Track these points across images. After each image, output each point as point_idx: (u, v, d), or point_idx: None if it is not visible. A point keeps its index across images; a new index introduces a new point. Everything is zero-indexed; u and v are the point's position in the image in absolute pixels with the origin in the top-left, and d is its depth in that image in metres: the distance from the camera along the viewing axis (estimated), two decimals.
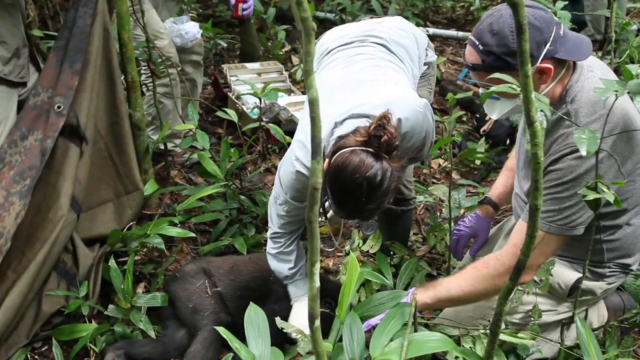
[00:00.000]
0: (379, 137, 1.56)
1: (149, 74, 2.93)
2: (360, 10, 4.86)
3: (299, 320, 1.93)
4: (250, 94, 2.99)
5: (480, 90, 1.56)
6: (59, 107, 1.95)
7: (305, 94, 3.62)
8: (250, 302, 1.46)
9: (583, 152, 1.22)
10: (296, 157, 1.76)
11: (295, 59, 4.43)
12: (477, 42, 1.58)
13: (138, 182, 2.41)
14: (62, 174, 1.96)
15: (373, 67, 1.90)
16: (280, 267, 2.01)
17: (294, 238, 2.00)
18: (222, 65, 3.86)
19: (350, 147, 1.59)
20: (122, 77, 2.50)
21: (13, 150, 1.91)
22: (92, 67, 2.07)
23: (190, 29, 3.08)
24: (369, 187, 1.56)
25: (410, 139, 1.76)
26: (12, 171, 1.87)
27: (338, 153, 1.60)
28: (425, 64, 2.15)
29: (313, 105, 1.00)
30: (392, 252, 2.29)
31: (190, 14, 3.76)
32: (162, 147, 2.93)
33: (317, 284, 1.06)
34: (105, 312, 2.02)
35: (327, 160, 1.64)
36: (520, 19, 0.98)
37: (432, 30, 4.97)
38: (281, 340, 1.86)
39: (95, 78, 2.12)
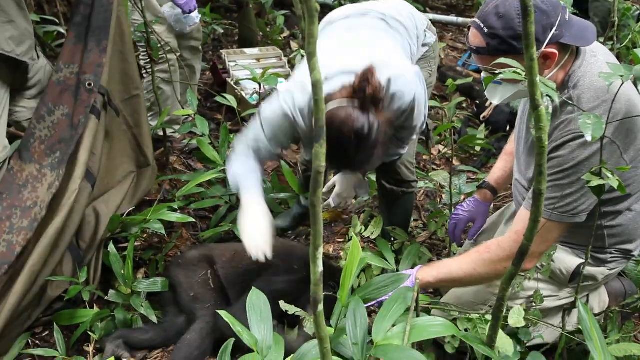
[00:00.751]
0: (364, 89, 1.60)
1: (148, 59, 2.92)
2: None
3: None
4: (249, 79, 2.97)
5: (483, 75, 1.55)
6: (89, 84, 2.01)
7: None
8: (252, 287, 1.46)
9: (588, 138, 1.21)
10: (284, 100, 1.80)
11: (294, 45, 4.40)
12: (482, 25, 1.56)
13: (151, 157, 2.49)
14: (80, 145, 1.99)
15: (369, 33, 1.95)
16: (234, 165, 1.91)
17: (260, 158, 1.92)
18: (221, 51, 3.84)
19: (339, 102, 1.63)
20: None
21: (42, 126, 1.98)
22: (110, 42, 2.09)
23: (191, 17, 3.05)
24: (357, 139, 1.60)
25: (398, 101, 1.77)
26: (42, 145, 1.97)
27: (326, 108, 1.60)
28: (424, 44, 2.15)
29: (316, 88, 0.99)
30: (392, 238, 2.29)
31: None
32: (161, 133, 2.91)
33: (320, 268, 1.06)
34: (105, 298, 2.02)
35: None
36: (527, 1, 0.97)
37: (431, 16, 4.93)
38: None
39: (113, 53, 2.14)
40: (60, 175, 1.92)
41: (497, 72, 1.28)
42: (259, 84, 2.91)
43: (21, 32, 2.04)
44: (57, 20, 3.30)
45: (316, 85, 0.96)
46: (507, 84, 1.65)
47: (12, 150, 2.08)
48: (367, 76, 1.61)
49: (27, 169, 1.92)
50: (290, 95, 1.81)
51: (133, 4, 2.69)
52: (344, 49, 1.89)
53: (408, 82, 1.77)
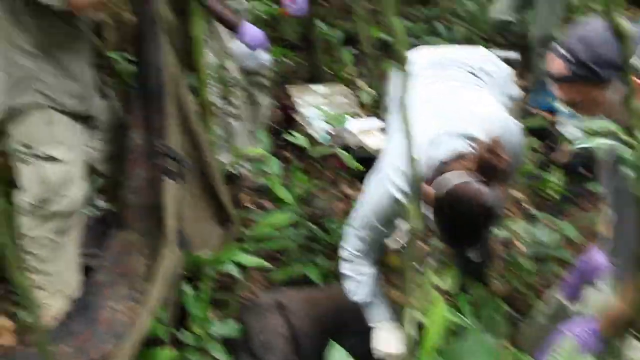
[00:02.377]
0: (492, 165, 1.51)
1: (218, 96, 2.97)
2: (424, 32, 4.80)
3: (383, 345, 1.89)
4: (319, 119, 2.99)
5: (560, 105, 1.48)
6: (159, 147, 2.09)
7: (375, 118, 3.60)
8: (330, 340, 1.43)
9: None
10: (393, 183, 1.72)
11: (361, 82, 4.41)
12: (565, 52, 1.50)
13: (232, 211, 2.50)
14: (166, 210, 2.04)
15: (462, 88, 1.88)
16: (357, 289, 1.95)
17: (371, 260, 1.95)
18: (289, 88, 3.87)
19: (460, 174, 1.55)
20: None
21: (127, 191, 2.12)
22: (169, 101, 2.14)
23: (259, 54, 3.10)
24: (486, 217, 1.53)
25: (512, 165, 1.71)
26: (132, 211, 2.11)
27: (446, 181, 1.55)
28: (510, 98, 2.09)
29: (411, 145, 0.96)
30: (468, 289, 2.20)
31: None
32: (232, 170, 2.94)
33: (414, 333, 1.01)
34: (179, 339, 2.01)
35: (428, 185, 1.59)
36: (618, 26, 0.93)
37: (495, 53, 4.84)
38: None
39: (174, 109, 2.19)
40: (152, 241, 1.98)
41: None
42: (329, 124, 2.91)
43: (83, 85, 2.10)
44: (128, 55, 3.40)
45: (410, 142, 0.93)
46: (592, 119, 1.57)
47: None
48: (494, 149, 1.53)
49: (122, 235, 2.04)
50: (391, 180, 1.74)
51: (206, 41, 2.76)
52: (439, 108, 1.82)
53: (513, 139, 1.72)
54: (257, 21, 3.93)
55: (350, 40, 4.91)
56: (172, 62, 2.22)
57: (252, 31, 2.78)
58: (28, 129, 2.03)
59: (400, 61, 0.87)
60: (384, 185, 1.74)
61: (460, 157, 1.59)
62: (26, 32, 1.94)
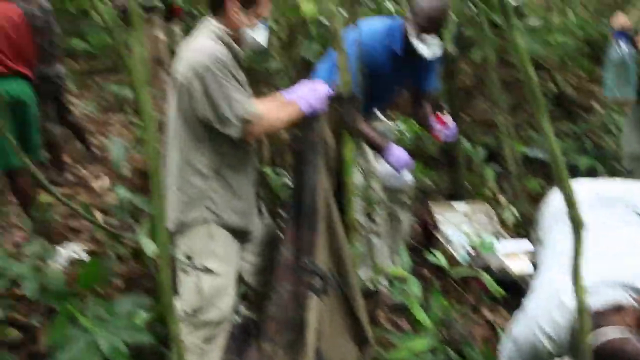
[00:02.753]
0: None
1: (361, 212, 3.09)
2: (573, 150, 4.66)
3: None
4: (459, 238, 2.97)
5: None
6: (306, 264, 2.20)
7: (518, 240, 3.49)
8: None
9: None
10: (541, 329, 1.63)
11: (503, 199, 4.33)
12: None
13: (369, 332, 2.49)
14: (307, 325, 2.13)
15: (628, 230, 1.77)
16: None
17: None
18: (430, 205, 3.91)
19: (617, 329, 1.45)
20: None
21: (270, 303, 2.20)
22: (320, 220, 2.26)
23: (403, 175, 3.21)
24: None
25: None
26: (274, 323, 2.16)
27: (601, 335, 1.46)
28: None
29: (582, 316, 0.94)
30: None
31: None
32: (370, 286, 2.99)
33: None
34: None
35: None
36: None
37: None
38: None
39: (324, 227, 2.31)
40: (291, 355, 2.06)
41: None
42: (473, 248, 2.89)
43: (246, 204, 2.32)
44: (285, 172, 3.68)
45: (582, 314, 0.91)
46: None
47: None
48: None
49: (263, 346, 2.11)
50: (539, 326, 1.65)
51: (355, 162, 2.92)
52: (600, 252, 1.70)
53: None
54: (401, 139, 4.11)
55: (493, 156, 4.90)
56: (326, 183, 2.38)
57: (398, 153, 2.92)
58: (191, 242, 2.26)
59: (576, 230, 0.89)
60: (532, 329, 1.67)
61: (618, 309, 1.49)
62: (203, 156, 2.21)
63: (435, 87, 3.27)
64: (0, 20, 3.56)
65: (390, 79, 2.99)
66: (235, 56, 2.22)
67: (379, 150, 2.97)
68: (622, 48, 3.44)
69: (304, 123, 2.33)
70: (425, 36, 2.76)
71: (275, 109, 2.26)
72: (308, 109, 2.26)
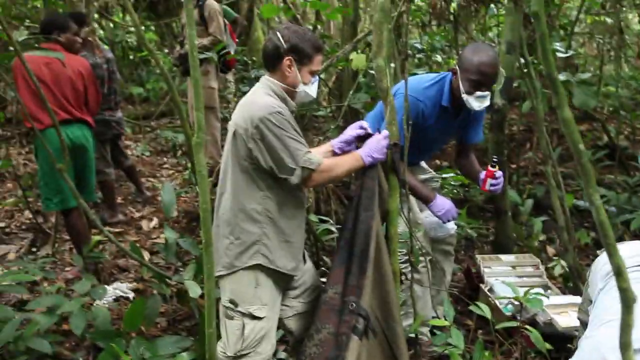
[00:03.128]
0: None
1: (407, 264, 3.07)
2: (627, 202, 4.52)
3: None
4: (505, 289, 2.90)
5: None
6: (352, 305, 2.19)
7: (566, 294, 3.38)
8: None
9: None
10: None
11: (550, 250, 4.22)
12: None
13: None
14: None
15: None
16: None
17: None
18: (476, 256, 3.85)
19: None
20: None
21: (311, 343, 2.20)
22: (370, 263, 2.26)
23: (446, 224, 3.18)
24: None
25: None
26: None
27: None
28: None
29: None
30: None
31: None
32: (412, 335, 2.93)
33: None
34: None
35: None
36: None
37: None
38: None
39: (373, 273, 2.31)
40: None
41: None
42: (519, 300, 2.81)
43: (296, 249, 2.35)
44: (330, 219, 3.72)
45: None
46: None
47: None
48: None
49: None
50: None
51: (401, 213, 2.92)
52: None
53: None
54: (446, 188, 4.09)
55: (541, 206, 4.80)
56: (380, 229, 2.39)
57: (444, 205, 2.91)
58: (238, 286, 2.29)
59: (627, 304, 0.88)
60: None
61: None
62: (258, 203, 2.26)
63: (480, 139, 3.27)
64: (69, 73, 3.82)
65: (437, 131, 3.01)
66: (290, 109, 2.32)
67: (425, 201, 2.98)
68: None
69: (365, 171, 2.39)
70: (475, 92, 2.79)
71: (336, 159, 2.36)
72: (370, 161, 2.36)
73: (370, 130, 2.49)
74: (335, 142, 2.55)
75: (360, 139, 2.50)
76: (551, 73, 0.98)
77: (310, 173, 2.21)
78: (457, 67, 2.82)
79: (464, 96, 2.79)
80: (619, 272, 0.89)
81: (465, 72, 2.76)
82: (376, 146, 2.36)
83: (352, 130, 2.52)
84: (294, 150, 2.18)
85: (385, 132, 2.41)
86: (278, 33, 2.28)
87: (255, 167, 2.23)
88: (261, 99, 2.25)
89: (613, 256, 0.90)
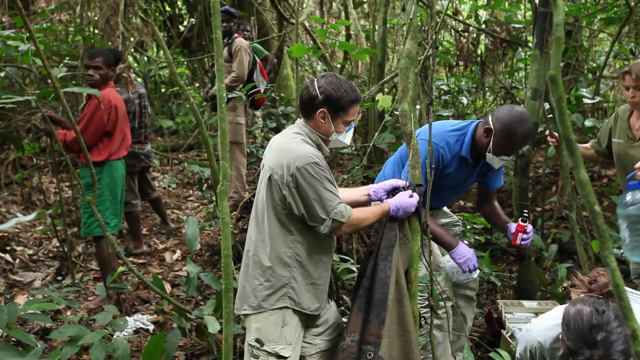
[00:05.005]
0: None
1: (427, 308, 3.04)
2: None
3: None
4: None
5: None
6: (370, 355, 2.20)
7: None
8: None
9: None
10: None
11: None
12: None
13: None
14: None
15: None
16: None
17: None
18: (498, 301, 3.80)
19: None
20: None
21: None
22: (389, 313, 2.26)
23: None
24: None
25: None
26: None
27: None
28: None
29: None
30: None
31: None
32: None
33: None
34: None
35: None
36: None
37: None
38: None
39: (393, 320, 2.31)
40: None
41: None
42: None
43: (321, 291, 2.37)
44: (351, 259, 3.71)
45: None
46: None
47: None
48: None
49: None
50: None
51: (422, 257, 2.92)
52: None
53: None
54: (468, 232, 4.06)
55: (565, 251, 4.72)
56: (399, 279, 2.39)
57: (466, 253, 2.89)
58: (264, 326, 2.30)
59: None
60: None
61: None
62: (289, 247, 2.29)
63: (501, 184, 3.27)
64: (117, 102, 4.12)
65: (457, 178, 3.02)
66: (324, 154, 2.36)
67: (447, 248, 2.97)
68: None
69: (386, 222, 2.42)
70: (501, 155, 2.80)
71: (365, 211, 2.39)
72: (396, 213, 2.40)
73: (405, 186, 2.56)
74: (374, 187, 2.59)
75: (392, 190, 2.57)
76: (567, 135, 1.00)
77: (340, 224, 2.25)
78: (492, 126, 2.80)
79: (489, 155, 2.82)
80: (634, 336, 0.89)
81: (499, 137, 2.76)
82: (406, 202, 2.41)
83: (395, 182, 2.60)
84: (326, 201, 2.22)
85: (416, 196, 2.46)
86: (315, 82, 2.32)
87: (288, 212, 2.27)
88: (299, 146, 2.28)
89: (628, 320, 0.90)
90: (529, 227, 3.01)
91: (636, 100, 3.18)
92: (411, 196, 2.45)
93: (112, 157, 4.08)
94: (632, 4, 4.93)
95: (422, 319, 3.07)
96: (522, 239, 3.04)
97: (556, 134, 3.30)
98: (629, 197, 2.66)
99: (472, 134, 2.90)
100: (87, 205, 3.82)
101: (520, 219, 3.03)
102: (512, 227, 3.07)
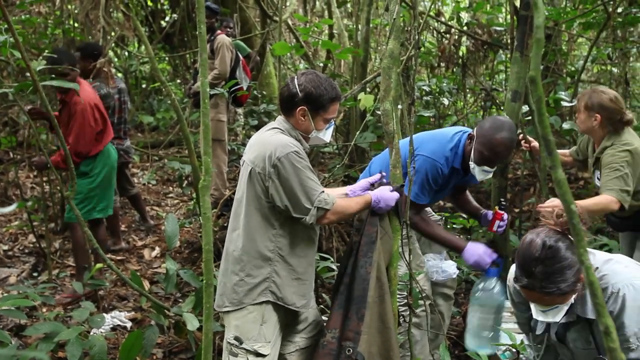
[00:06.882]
0: None
1: (404, 304, 3.06)
2: None
3: None
4: (504, 339, 2.88)
5: None
6: (349, 350, 2.21)
7: None
8: None
9: None
10: None
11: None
12: None
13: None
14: None
15: None
16: None
17: None
18: None
19: None
20: None
21: None
22: (368, 310, 2.27)
23: (448, 268, 3.19)
24: None
25: None
26: None
27: None
28: None
29: None
30: None
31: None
32: None
33: None
34: None
35: None
36: None
37: None
38: None
39: (374, 317, 2.32)
40: None
41: None
42: (514, 346, 2.79)
43: (306, 287, 2.36)
44: (331, 257, 3.72)
45: None
46: None
47: None
48: None
49: None
50: None
51: (402, 256, 2.94)
52: None
53: None
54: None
55: None
56: (380, 276, 2.40)
57: (476, 250, 2.90)
58: (243, 325, 2.29)
59: None
60: None
61: None
62: (270, 241, 2.28)
63: (476, 181, 3.31)
64: (95, 100, 4.12)
65: (447, 184, 3.04)
66: (304, 149, 2.36)
67: (457, 251, 2.99)
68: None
69: (367, 218, 2.44)
70: (483, 165, 2.81)
71: (349, 200, 2.42)
72: (377, 206, 2.42)
73: (385, 181, 2.58)
74: (351, 188, 2.61)
75: (374, 186, 2.60)
76: (546, 135, 1.01)
77: (325, 212, 2.25)
78: (474, 134, 2.84)
79: (472, 164, 2.84)
80: (606, 332, 0.91)
81: (480, 145, 2.78)
82: (387, 195, 2.44)
83: (372, 179, 2.62)
84: (309, 190, 2.22)
85: (396, 194, 2.48)
86: (295, 80, 2.33)
87: (271, 205, 2.26)
88: (277, 137, 2.29)
89: (602, 317, 0.92)
90: (505, 215, 3.07)
91: (581, 127, 3.28)
92: (392, 191, 2.48)
93: (104, 144, 4.21)
94: (610, 10, 5.02)
95: (401, 317, 3.09)
96: (499, 226, 3.10)
97: (530, 139, 3.35)
98: (481, 283, 2.82)
99: (464, 145, 2.91)
100: (79, 193, 3.91)
101: (497, 207, 3.08)
102: (489, 214, 3.12)
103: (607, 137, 3.15)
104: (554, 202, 3.07)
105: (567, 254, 1.95)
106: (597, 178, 3.25)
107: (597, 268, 2.09)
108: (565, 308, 2.05)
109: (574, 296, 2.04)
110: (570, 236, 2.03)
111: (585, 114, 3.19)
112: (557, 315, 2.05)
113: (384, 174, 2.62)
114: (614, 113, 3.12)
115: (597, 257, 2.16)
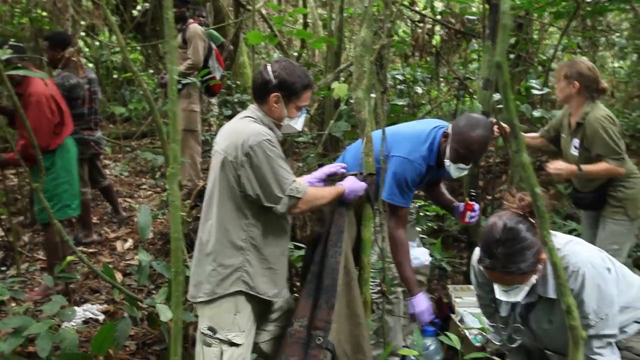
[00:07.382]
0: None
1: (379, 294, 3.09)
2: None
3: None
4: (474, 321, 2.93)
5: None
6: (319, 339, 2.21)
7: None
8: None
9: None
10: None
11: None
12: None
13: None
14: None
15: None
16: None
17: None
18: (448, 286, 3.88)
19: None
20: None
21: None
22: (338, 298, 2.28)
23: (420, 255, 3.23)
24: None
25: None
26: None
27: None
28: None
29: None
30: None
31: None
32: None
33: None
34: None
35: None
36: None
37: None
38: None
39: (342, 305, 2.33)
40: None
41: None
42: (486, 332, 2.84)
43: (278, 276, 2.36)
44: (305, 246, 3.72)
45: None
46: None
47: None
48: None
49: None
50: None
51: (374, 243, 2.96)
52: None
53: None
54: (422, 219, 4.13)
55: None
56: (348, 264, 2.41)
57: (421, 304, 2.89)
58: (217, 315, 2.29)
59: None
60: None
61: None
62: (242, 230, 2.27)
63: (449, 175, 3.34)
64: (50, 91, 3.95)
65: (424, 179, 3.05)
66: (277, 137, 2.35)
67: (409, 292, 2.96)
68: None
69: (335, 208, 2.45)
70: (458, 163, 2.81)
71: (320, 189, 2.42)
72: (348, 195, 2.44)
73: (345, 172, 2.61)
74: (308, 178, 2.58)
75: (331, 177, 2.59)
76: (511, 119, 1.02)
77: (296, 201, 2.25)
78: (449, 131, 2.82)
79: (447, 161, 2.82)
80: (568, 311, 0.92)
81: (455, 143, 2.76)
82: (356, 185, 2.47)
83: (327, 169, 2.61)
84: (281, 178, 2.21)
85: (364, 184, 2.52)
86: (268, 67, 2.32)
87: (243, 195, 2.25)
88: (249, 126, 2.27)
89: (564, 296, 0.94)
90: (476, 206, 3.12)
91: (559, 95, 3.45)
92: (362, 180, 2.52)
93: (62, 138, 4.05)
94: None
95: (374, 304, 3.12)
96: (470, 217, 3.14)
97: (504, 125, 3.40)
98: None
99: (439, 142, 2.90)
100: (46, 191, 3.74)
101: (468, 198, 3.11)
102: (461, 206, 3.16)
103: (587, 104, 3.34)
104: (558, 164, 3.32)
105: (527, 235, 2.02)
106: (574, 147, 3.39)
107: (558, 249, 2.15)
108: (527, 288, 2.12)
109: (534, 276, 2.11)
110: (531, 219, 2.09)
111: (565, 82, 3.37)
112: (519, 295, 2.13)
113: (344, 165, 2.65)
114: (591, 81, 3.31)
115: (558, 239, 2.24)
